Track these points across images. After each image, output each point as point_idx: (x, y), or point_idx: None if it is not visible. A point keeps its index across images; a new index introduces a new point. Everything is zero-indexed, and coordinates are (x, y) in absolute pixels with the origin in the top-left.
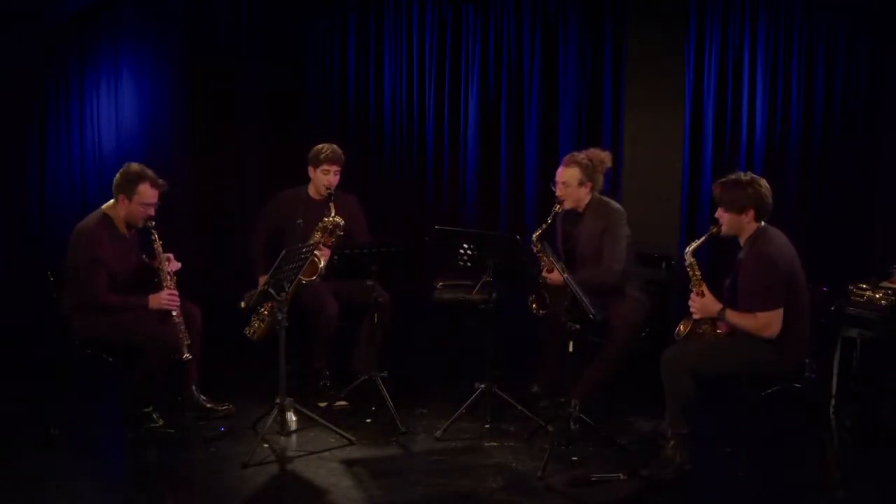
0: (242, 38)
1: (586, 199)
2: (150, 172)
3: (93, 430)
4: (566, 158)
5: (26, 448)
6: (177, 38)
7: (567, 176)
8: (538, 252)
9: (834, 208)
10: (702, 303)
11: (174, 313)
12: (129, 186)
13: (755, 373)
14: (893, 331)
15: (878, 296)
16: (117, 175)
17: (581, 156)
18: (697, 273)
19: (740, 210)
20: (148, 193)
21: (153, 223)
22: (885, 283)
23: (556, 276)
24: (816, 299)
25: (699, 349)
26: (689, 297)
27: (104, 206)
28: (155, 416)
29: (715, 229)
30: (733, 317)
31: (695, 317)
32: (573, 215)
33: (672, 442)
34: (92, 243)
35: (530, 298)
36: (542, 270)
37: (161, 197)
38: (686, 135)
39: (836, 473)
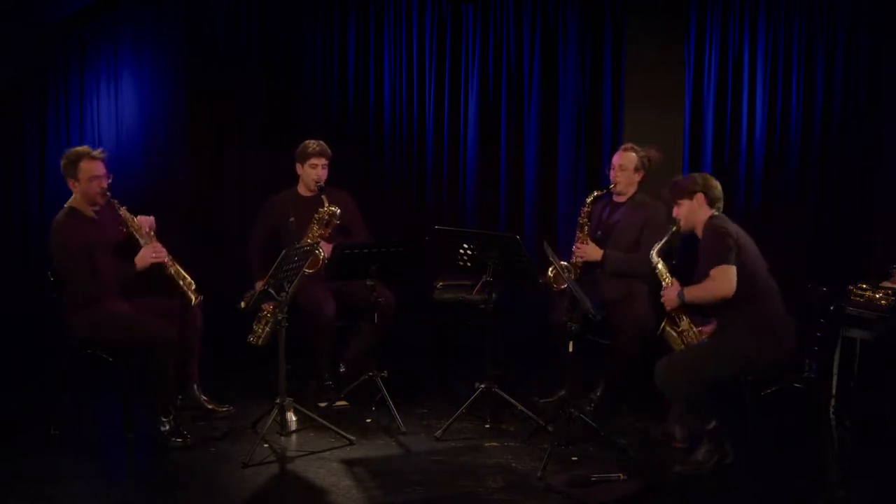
0: (242, 37)
1: (634, 189)
2: (86, 147)
3: (93, 430)
4: (626, 145)
5: (26, 448)
6: (176, 39)
7: (626, 160)
8: (585, 216)
9: (834, 208)
10: (668, 294)
11: (166, 262)
12: (71, 168)
13: (743, 368)
14: (893, 331)
15: (878, 296)
16: (61, 164)
17: (639, 148)
18: (664, 271)
19: (690, 195)
20: (91, 167)
21: (109, 194)
22: (885, 283)
23: (590, 250)
24: (816, 299)
25: (684, 359)
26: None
27: (67, 202)
28: (171, 426)
29: (675, 227)
30: (690, 290)
31: (667, 308)
32: (613, 205)
33: (706, 440)
34: (66, 234)
35: (549, 276)
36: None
37: (106, 165)
38: (686, 134)
39: (836, 473)
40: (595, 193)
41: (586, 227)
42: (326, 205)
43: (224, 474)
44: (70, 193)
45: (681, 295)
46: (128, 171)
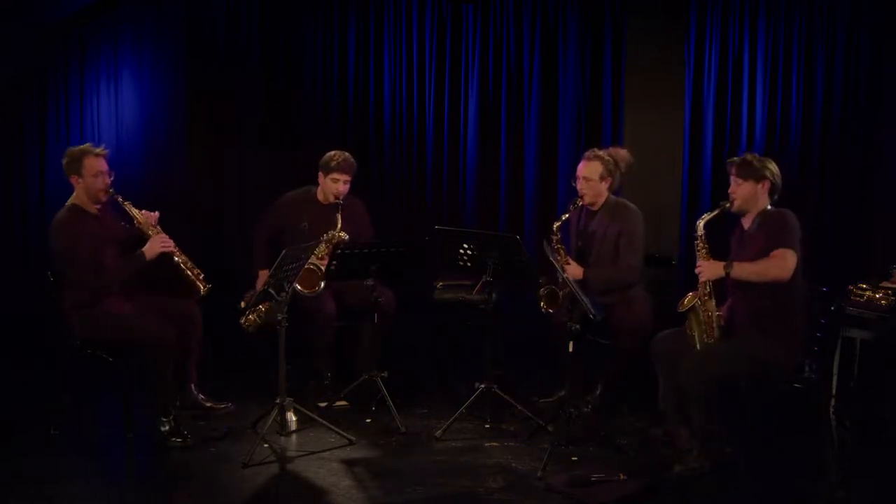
0: (242, 37)
1: (604, 196)
2: (88, 144)
3: (93, 430)
4: (588, 153)
5: (26, 448)
6: (176, 39)
7: (589, 170)
8: (557, 243)
9: (834, 208)
10: (707, 265)
11: (175, 255)
12: (75, 164)
13: (761, 370)
14: (893, 331)
15: (878, 296)
16: (63, 162)
17: (603, 152)
18: (706, 245)
19: (758, 179)
20: (95, 163)
21: (113, 190)
22: (885, 283)
23: (571, 270)
24: (816, 299)
25: (707, 356)
26: (696, 267)
27: (69, 201)
28: (171, 426)
29: (727, 204)
30: (740, 267)
31: (701, 279)
32: (588, 213)
33: (704, 439)
34: (69, 229)
35: (540, 294)
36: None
37: (108, 162)
38: (686, 134)
39: (836, 473)
40: (563, 218)
41: (562, 250)
42: (339, 228)
43: (224, 474)
44: (68, 193)
45: (727, 267)
46: (128, 171)
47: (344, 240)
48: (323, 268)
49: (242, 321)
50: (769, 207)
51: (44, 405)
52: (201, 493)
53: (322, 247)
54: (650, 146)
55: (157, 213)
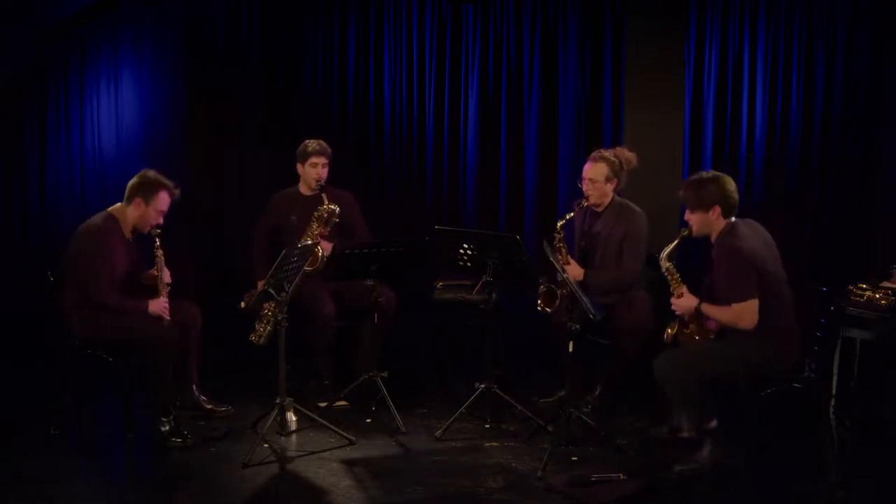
0: (242, 37)
1: (609, 198)
2: (168, 181)
3: (93, 430)
4: (594, 154)
5: (26, 448)
6: (176, 39)
7: (595, 172)
8: (559, 242)
9: (834, 208)
10: (679, 303)
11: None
12: (149, 190)
13: (755, 372)
14: (893, 331)
15: (878, 296)
16: (136, 178)
17: (609, 153)
18: (676, 276)
19: (706, 208)
20: (165, 201)
21: (158, 231)
22: (885, 283)
23: (571, 270)
24: (816, 299)
25: (698, 353)
26: (670, 302)
27: (111, 209)
28: (171, 426)
29: (686, 232)
30: (709, 309)
31: (679, 314)
32: (592, 213)
33: (707, 440)
34: (102, 241)
35: (540, 290)
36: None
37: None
38: (686, 134)
39: (836, 473)
40: (567, 217)
41: (564, 250)
42: (326, 203)
43: (224, 474)
44: (67, 193)
45: (697, 308)
46: (128, 171)
47: (334, 211)
48: (320, 249)
49: (253, 337)
50: (733, 219)
51: (44, 405)
52: (201, 493)
53: (314, 225)
54: (650, 146)
55: (170, 280)
